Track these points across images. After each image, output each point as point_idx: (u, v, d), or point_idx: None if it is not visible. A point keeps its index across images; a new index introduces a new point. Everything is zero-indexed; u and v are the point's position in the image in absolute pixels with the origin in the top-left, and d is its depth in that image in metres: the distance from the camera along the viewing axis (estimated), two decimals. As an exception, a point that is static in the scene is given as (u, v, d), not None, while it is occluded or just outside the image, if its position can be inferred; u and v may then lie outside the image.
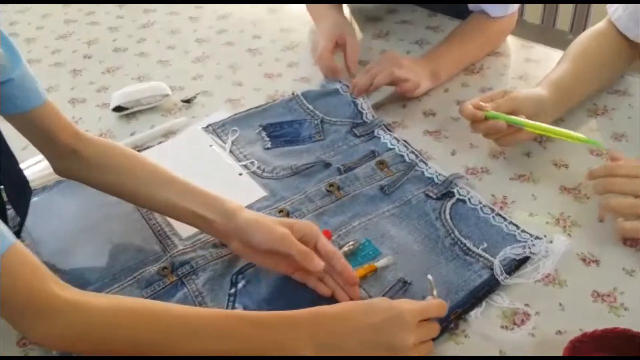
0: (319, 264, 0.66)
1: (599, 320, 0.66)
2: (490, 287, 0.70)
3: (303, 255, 0.67)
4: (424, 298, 0.69)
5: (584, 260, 0.73)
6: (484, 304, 0.68)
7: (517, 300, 0.69)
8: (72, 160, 0.78)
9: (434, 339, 0.64)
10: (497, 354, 0.65)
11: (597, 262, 0.73)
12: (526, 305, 0.69)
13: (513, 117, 0.81)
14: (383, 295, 0.70)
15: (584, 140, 0.80)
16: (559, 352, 0.60)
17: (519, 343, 0.65)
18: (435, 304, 0.63)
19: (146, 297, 0.74)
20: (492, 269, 0.71)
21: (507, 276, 0.70)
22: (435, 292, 0.66)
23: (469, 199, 0.81)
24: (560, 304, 0.69)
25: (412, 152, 0.91)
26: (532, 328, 0.66)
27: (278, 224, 0.70)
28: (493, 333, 0.66)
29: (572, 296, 0.69)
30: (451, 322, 0.67)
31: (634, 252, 0.73)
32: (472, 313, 0.68)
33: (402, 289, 0.71)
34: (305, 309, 0.59)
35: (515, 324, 0.67)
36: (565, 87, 0.90)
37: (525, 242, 0.74)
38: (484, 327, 0.67)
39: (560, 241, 0.72)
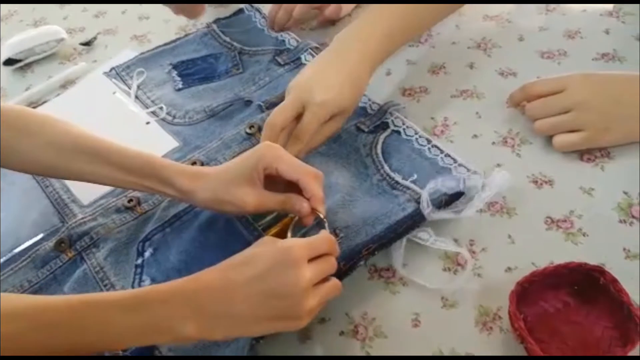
0: (302, 206, 0.57)
1: (555, 251, 0.57)
2: (413, 221, 0.60)
3: (285, 206, 0.58)
4: (334, 230, 0.60)
5: (535, 182, 0.64)
6: (404, 241, 0.59)
7: (460, 235, 0.60)
8: None
9: (340, 278, 0.54)
10: (438, 301, 0.56)
11: (550, 182, 0.64)
12: (470, 241, 0.60)
13: None
14: (298, 236, 0.60)
15: None
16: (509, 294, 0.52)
17: (462, 287, 0.56)
18: (323, 237, 0.52)
19: (42, 279, 0.65)
20: (418, 202, 0.61)
21: (435, 209, 0.59)
22: (326, 225, 0.56)
23: (404, 129, 0.71)
24: (509, 236, 0.60)
25: (342, 78, 0.79)
26: (478, 267, 0.58)
27: (241, 186, 0.58)
28: (433, 278, 0.58)
29: (523, 226, 0.60)
30: (361, 258, 0.57)
31: (592, 167, 0.64)
32: (395, 253, 0.58)
33: (315, 227, 0.61)
34: (184, 278, 0.50)
35: (459, 264, 0.58)
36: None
37: (461, 177, 0.63)
38: (423, 271, 0.58)
39: (500, 176, 0.61)
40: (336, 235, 0.59)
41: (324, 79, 0.67)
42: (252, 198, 0.57)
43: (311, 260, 0.49)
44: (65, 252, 0.66)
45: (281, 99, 0.78)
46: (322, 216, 0.57)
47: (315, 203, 0.57)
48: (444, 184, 0.61)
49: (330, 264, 0.51)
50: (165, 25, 0.97)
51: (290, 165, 0.57)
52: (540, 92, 0.67)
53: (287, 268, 0.47)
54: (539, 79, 0.68)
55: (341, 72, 0.67)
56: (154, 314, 0.47)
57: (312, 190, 0.57)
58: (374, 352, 0.54)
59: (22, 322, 0.46)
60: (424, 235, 0.59)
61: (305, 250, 0.49)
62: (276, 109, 0.66)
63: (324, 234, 0.54)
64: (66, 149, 0.63)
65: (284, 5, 0.87)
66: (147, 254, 0.64)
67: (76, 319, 0.46)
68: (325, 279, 0.51)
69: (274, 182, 0.59)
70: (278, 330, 0.50)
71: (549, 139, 0.67)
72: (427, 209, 0.59)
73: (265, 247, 0.50)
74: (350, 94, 0.67)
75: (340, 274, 0.56)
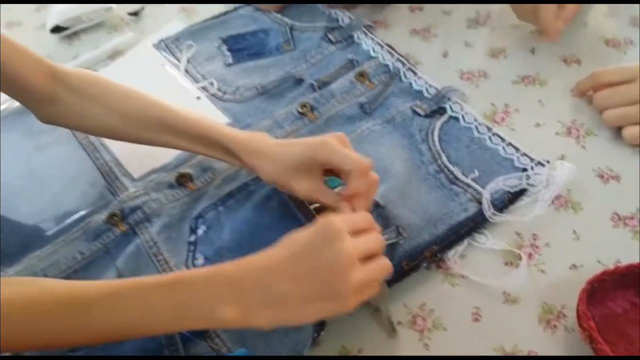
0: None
1: (620, 249, 0.56)
2: (476, 223, 0.59)
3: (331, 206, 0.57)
4: (397, 227, 0.58)
5: (601, 176, 0.62)
6: (465, 242, 0.58)
7: (523, 230, 0.59)
8: (54, 106, 0.63)
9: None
10: (500, 296, 0.55)
11: (617, 178, 0.62)
12: (534, 235, 0.58)
13: None
14: None
15: None
16: (575, 292, 0.51)
17: (525, 283, 0.55)
18: (361, 213, 0.51)
19: (95, 251, 0.65)
20: (480, 202, 0.59)
21: (497, 213, 0.58)
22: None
23: (462, 116, 0.69)
24: (574, 232, 0.58)
25: (399, 60, 0.77)
26: (541, 263, 0.56)
27: (297, 174, 0.57)
28: (494, 271, 0.56)
29: (588, 222, 0.59)
30: (424, 259, 0.56)
31: (661, 162, 0.62)
32: (451, 253, 0.57)
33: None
34: (224, 263, 0.48)
35: (521, 259, 0.57)
36: None
37: (524, 169, 0.62)
38: (484, 264, 0.57)
39: (564, 168, 0.60)
40: (399, 234, 0.58)
41: None
42: (305, 188, 0.57)
43: (353, 235, 0.47)
44: (117, 226, 0.66)
45: (333, 77, 0.77)
46: None
47: (359, 202, 0.55)
48: (506, 183, 0.60)
49: (374, 238, 0.49)
50: (214, -3, 0.95)
51: (343, 157, 0.55)
52: (610, 80, 0.65)
53: (328, 240, 0.45)
54: (609, 68, 0.66)
55: None
56: (191, 295, 0.45)
57: (355, 188, 0.54)
58: (432, 345, 0.53)
59: (59, 303, 0.45)
60: (481, 238, 0.58)
61: (345, 223, 0.47)
62: None
63: (362, 211, 0.52)
64: (130, 115, 0.63)
65: None
66: (200, 231, 0.64)
67: (110, 298, 0.45)
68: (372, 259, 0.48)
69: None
70: (325, 315, 0.47)
71: (615, 131, 0.65)
72: (488, 211, 0.58)
73: (305, 229, 0.48)
74: None
75: (402, 274, 0.56)
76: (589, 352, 0.49)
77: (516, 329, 0.53)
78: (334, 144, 0.55)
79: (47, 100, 0.63)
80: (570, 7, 0.67)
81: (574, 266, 0.56)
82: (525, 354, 0.51)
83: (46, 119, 0.65)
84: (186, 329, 0.51)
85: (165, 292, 0.46)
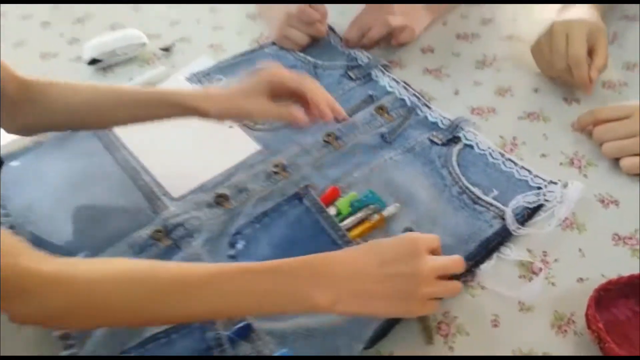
0: (298, 114, 0.69)
1: (621, 265, 0.63)
2: (502, 237, 0.66)
3: (285, 114, 0.70)
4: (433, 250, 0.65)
5: (602, 201, 0.69)
6: (494, 256, 0.65)
7: (534, 247, 0.65)
8: (26, 113, 0.70)
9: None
10: (515, 305, 0.61)
11: (616, 202, 0.69)
12: (544, 252, 0.65)
13: None
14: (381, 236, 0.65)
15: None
16: (582, 301, 0.57)
17: (539, 294, 0.61)
18: (434, 236, 0.58)
19: (140, 263, 0.70)
20: (503, 219, 0.67)
21: (520, 226, 0.66)
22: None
23: (476, 144, 0.76)
24: (580, 250, 0.65)
25: (414, 95, 0.85)
26: (551, 276, 0.63)
27: (248, 99, 0.69)
28: (510, 283, 0.63)
29: (592, 241, 0.66)
30: (461, 275, 0.63)
31: (655, 189, 0.70)
32: (483, 267, 0.64)
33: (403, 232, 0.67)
34: (312, 255, 0.54)
35: (533, 272, 0.63)
36: None
37: (539, 187, 0.70)
38: (500, 277, 0.63)
39: (575, 186, 0.68)
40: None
41: None
42: (259, 108, 0.69)
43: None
44: (161, 241, 0.71)
45: (355, 110, 0.85)
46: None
47: (322, 103, 0.70)
48: (525, 199, 0.67)
49: (457, 261, 0.56)
50: (239, 36, 1.03)
51: (295, 80, 0.69)
52: (608, 117, 0.73)
53: (414, 255, 0.54)
54: (608, 105, 0.74)
55: None
56: (292, 280, 0.52)
57: (316, 93, 0.70)
58: (456, 348, 0.59)
59: (171, 280, 0.50)
60: (506, 250, 0.65)
61: (426, 243, 0.55)
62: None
63: (434, 235, 0.59)
64: (88, 103, 0.71)
65: (359, 25, 0.93)
66: (239, 246, 0.69)
67: (217, 280, 0.51)
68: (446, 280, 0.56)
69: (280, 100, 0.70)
70: (394, 314, 0.56)
71: (613, 162, 0.72)
72: (512, 225, 0.66)
73: (390, 239, 0.56)
74: None
75: None
76: (596, 353, 0.55)
77: (531, 333, 0.59)
78: (283, 73, 0.70)
79: (16, 107, 0.69)
80: (601, 57, 0.76)
81: (580, 279, 0.62)
82: (540, 355, 0.57)
83: (10, 127, 0.72)
84: (282, 312, 0.57)
85: (267, 278, 0.52)
